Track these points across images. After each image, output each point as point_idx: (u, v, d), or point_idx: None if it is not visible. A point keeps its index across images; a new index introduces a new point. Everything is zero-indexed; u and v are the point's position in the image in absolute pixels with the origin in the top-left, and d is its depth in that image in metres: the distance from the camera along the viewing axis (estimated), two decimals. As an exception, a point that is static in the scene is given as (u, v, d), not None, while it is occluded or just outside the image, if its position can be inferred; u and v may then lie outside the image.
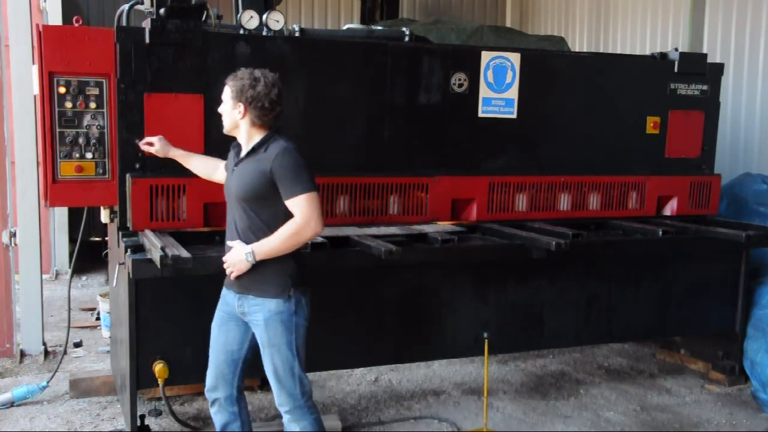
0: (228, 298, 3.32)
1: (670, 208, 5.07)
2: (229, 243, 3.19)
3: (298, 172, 3.05)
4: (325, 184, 4.11)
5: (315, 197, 3.05)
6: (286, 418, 3.28)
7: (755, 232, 4.53)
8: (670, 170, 5.05)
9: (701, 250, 4.93)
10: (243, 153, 3.19)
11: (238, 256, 3.11)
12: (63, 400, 4.58)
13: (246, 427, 3.46)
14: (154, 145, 3.64)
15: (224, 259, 3.18)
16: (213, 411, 3.44)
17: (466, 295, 4.41)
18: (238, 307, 3.25)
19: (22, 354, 5.31)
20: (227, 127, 3.23)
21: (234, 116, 3.15)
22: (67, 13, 7.17)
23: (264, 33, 4.15)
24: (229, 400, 3.39)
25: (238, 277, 3.16)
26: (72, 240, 7.85)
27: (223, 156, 3.43)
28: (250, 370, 3.39)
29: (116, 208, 3.84)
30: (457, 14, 10.57)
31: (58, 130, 3.71)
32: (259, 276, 3.13)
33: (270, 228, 3.09)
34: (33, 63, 4.04)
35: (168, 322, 3.75)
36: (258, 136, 3.15)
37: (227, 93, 3.17)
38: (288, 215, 3.06)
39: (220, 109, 3.24)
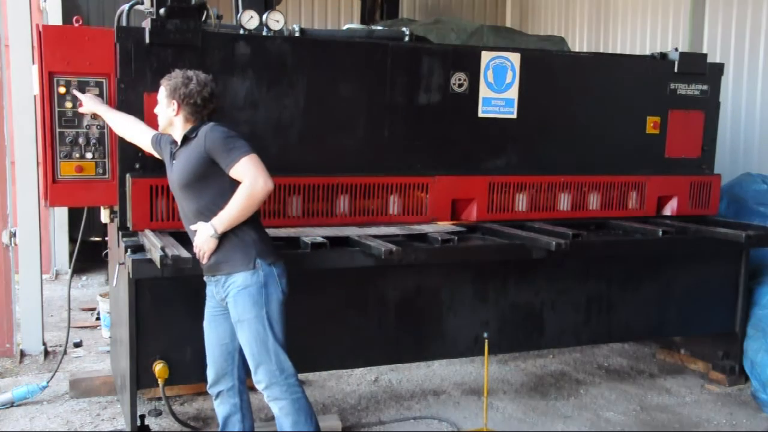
0: (209, 291, 3.37)
1: (670, 208, 5.07)
2: (192, 227, 3.22)
3: (230, 140, 3.11)
4: (325, 184, 4.11)
5: (255, 157, 3.10)
6: (264, 396, 3.28)
7: (755, 232, 4.53)
8: (670, 170, 5.04)
9: (701, 250, 4.93)
10: (178, 145, 3.27)
11: (203, 236, 3.14)
12: (63, 400, 4.58)
13: (247, 421, 3.47)
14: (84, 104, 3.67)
15: (194, 244, 3.21)
16: (216, 404, 3.47)
17: (466, 295, 4.41)
18: (217, 294, 3.29)
19: (22, 354, 5.31)
20: (162, 125, 3.32)
21: (168, 114, 3.25)
22: (67, 13, 7.16)
23: (264, 33, 4.15)
24: (231, 391, 3.43)
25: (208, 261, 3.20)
26: (72, 240, 7.85)
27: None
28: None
29: (116, 208, 3.84)
30: (457, 14, 10.56)
31: (58, 130, 3.71)
32: (224, 253, 3.17)
33: (220, 205, 3.13)
34: (33, 63, 4.04)
35: (168, 322, 3.75)
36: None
37: (162, 93, 3.27)
38: (234, 187, 3.10)
39: (156, 110, 3.33)
